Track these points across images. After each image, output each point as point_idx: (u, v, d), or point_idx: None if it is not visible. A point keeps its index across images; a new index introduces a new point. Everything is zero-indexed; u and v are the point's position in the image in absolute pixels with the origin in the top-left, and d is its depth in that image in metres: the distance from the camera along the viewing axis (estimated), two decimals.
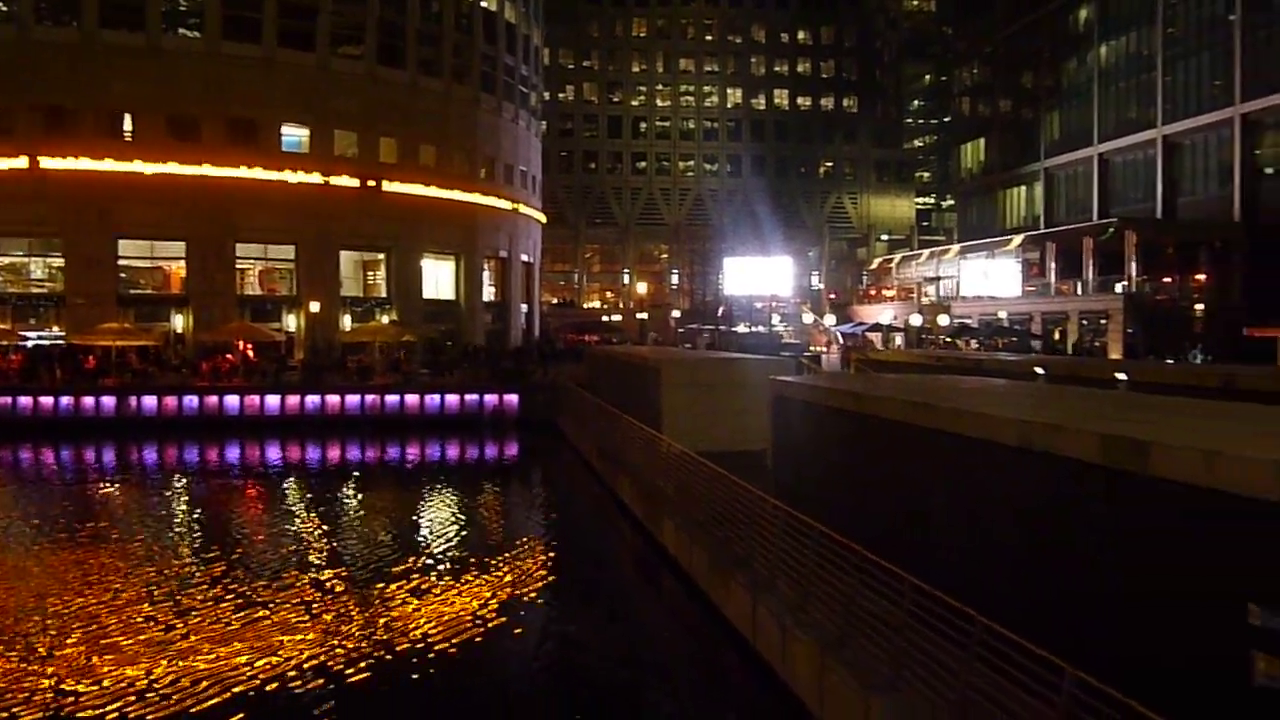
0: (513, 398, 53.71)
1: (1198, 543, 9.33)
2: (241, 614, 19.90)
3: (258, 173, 60.49)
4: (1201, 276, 64.15)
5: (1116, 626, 10.28)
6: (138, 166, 58.04)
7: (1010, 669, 9.85)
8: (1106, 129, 79.49)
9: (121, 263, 60.83)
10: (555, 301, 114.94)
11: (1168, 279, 65.76)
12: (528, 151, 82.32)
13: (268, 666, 16.75)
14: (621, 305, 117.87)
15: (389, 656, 17.41)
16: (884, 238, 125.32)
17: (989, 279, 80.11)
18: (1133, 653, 9.90)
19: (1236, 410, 14.19)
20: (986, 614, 10.59)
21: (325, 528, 29.70)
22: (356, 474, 41.50)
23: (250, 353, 58.04)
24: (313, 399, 52.24)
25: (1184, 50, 71.22)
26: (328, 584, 22.38)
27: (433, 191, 67.53)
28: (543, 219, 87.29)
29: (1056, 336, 67.82)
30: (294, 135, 63.59)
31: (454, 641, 18.34)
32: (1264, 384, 28.77)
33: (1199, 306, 61.92)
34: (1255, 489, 8.52)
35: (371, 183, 64.10)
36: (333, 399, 52.42)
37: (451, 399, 53.42)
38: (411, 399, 52.94)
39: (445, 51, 70.22)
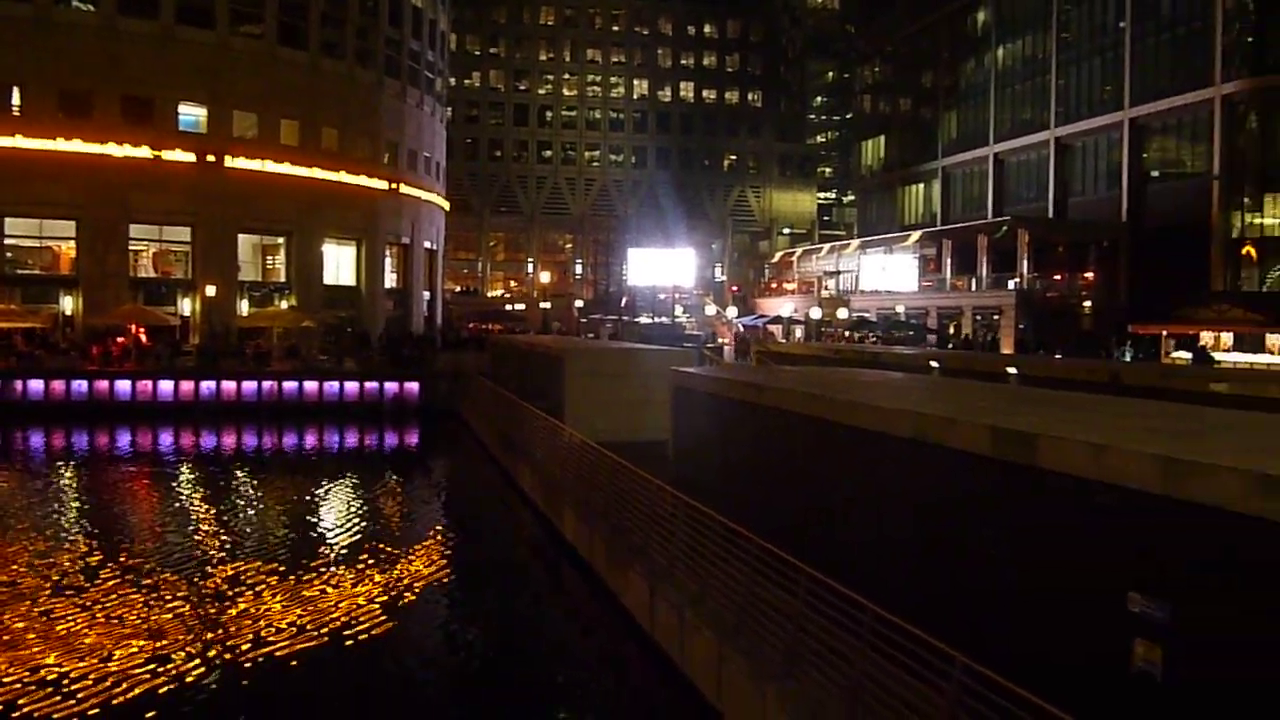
0: (414, 386, 53.23)
1: (1083, 534, 9.67)
2: (128, 608, 19.43)
3: (152, 152, 58.78)
4: (1090, 274, 66.23)
5: (1010, 616, 10.59)
6: (25, 142, 55.98)
7: (902, 657, 10.11)
8: (1002, 130, 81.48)
9: (8, 242, 58.50)
10: (458, 289, 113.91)
11: (1058, 276, 67.81)
12: (432, 137, 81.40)
13: (154, 661, 16.35)
14: (525, 294, 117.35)
15: (283, 648, 17.12)
16: (786, 231, 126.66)
17: (887, 274, 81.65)
18: (1025, 641, 10.23)
19: (1122, 405, 14.69)
20: (886, 605, 10.80)
21: (218, 517, 29.11)
22: (253, 462, 40.73)
23: (143, 337, 56.50)
24: (208, 385, 51.16)
25: (1077, 55, 73.30)
26: (218, 575, 21.92)
27: (334, 175, 66.40)
28: (446, 206, 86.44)
29: (951, 331, 69.44)
30: (191, 115, 61.85)
31: (349, 632, 18.14)
32: (1148, 379, 29.93)
33: (1087, 304, 63.93)
34: (1139, 481, 8.87)
35: (272, 165, 62.79)
36: (229, 385, 51.39)
37: (351, 386, 52.77)
38: (310, 386, 52.16)
39: (349, 34, 69.02)
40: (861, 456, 13.91)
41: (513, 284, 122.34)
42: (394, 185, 71.96)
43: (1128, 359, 50.86)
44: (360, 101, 69.76)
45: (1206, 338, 51.16)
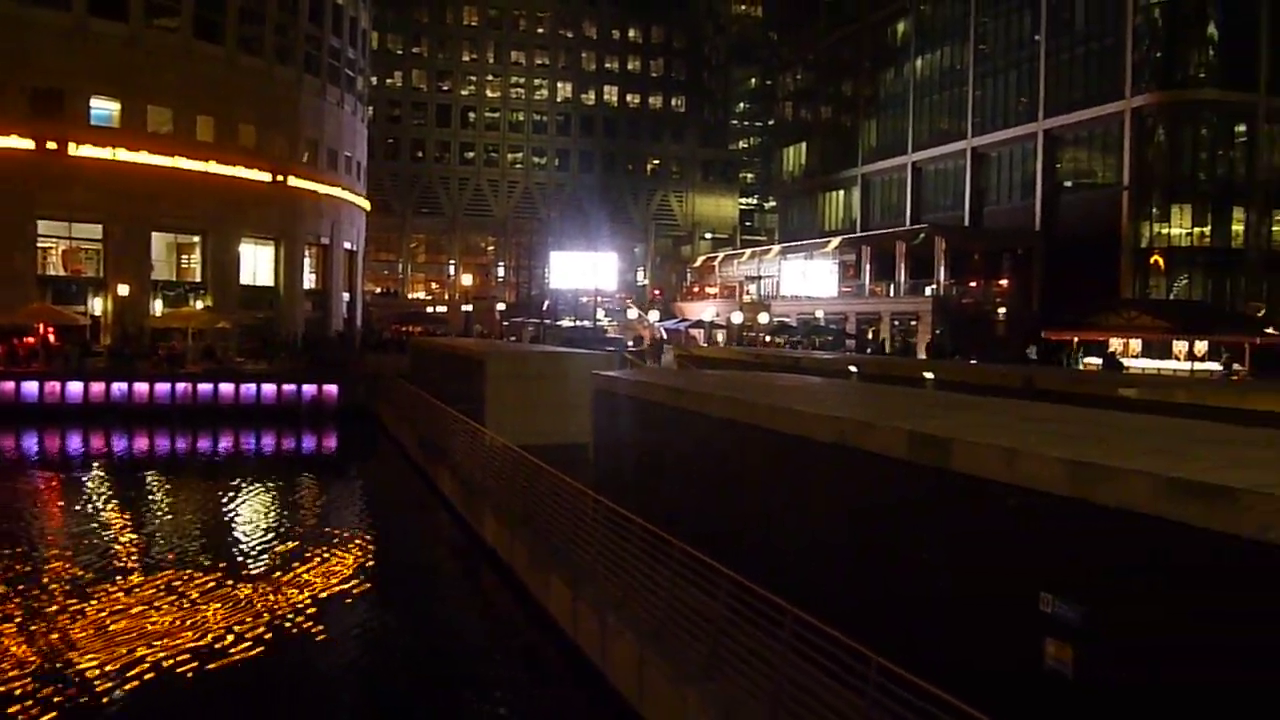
0: (332, 388, 52.54)
1: (997, 536, 9.84)
2: (31, 618, 18.87)
3: (63, 147, 57.25)
4: (1004, 282, 67.58)
5: (929, 618, 10.74)
6: None
7: (822, 659, 10.20)
8: (920, 139, 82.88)
9: None
10: (379, 291, 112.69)
11: (974, 283, 69.07)
12: (353, 136, 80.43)
13: (56, 673, 15.91)
14: (447, 296, 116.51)
15: (195, 656, 16.73)
16: (708, 236, 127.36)
17: (807, 279, 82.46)
18: (945, 642, 10.38)
19: (1035, 409, 14.98)
20: (809, 608, 10.90)
21: (129, 523, 28.44)
22: (166, 466, 39.90)
23: (52, 336, 54.94)
24: (119, 387, 49.90)
25: (993, 67, 74.83)
26: (127, 583, 21.40)
27: (252, 174, 65.25)
28: (367, 206, 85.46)
29: (870, 336, 70.38)
30: (104, 109, 60.30)
31: (263, 640, 17.79)
32: (1060, 384, 30.54)
33: (1001, 310, 65.22)
34: (1049, 484, 9.06)
35: (187, 162, 61.52)
36: (141, 387, 50.18)
37: (268, 389, 51.87)
38: (226, 388, 51.16)
39: (268, 29, 67.92)
40: (782, 460, 14.01)
41: (434, 286, 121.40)
42: (314, 184, 70.94)
43: (1033, 358, 52.12)
44: (279, 99, 68.68)
45: (1116, 344, 52.44)
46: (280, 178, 67.43)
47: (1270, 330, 52.07)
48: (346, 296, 79.73)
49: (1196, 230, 62.09)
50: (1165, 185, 61.98)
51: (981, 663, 9.74)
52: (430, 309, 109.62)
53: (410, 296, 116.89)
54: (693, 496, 17.01)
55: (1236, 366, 47.83)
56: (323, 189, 72.54)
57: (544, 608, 18.36)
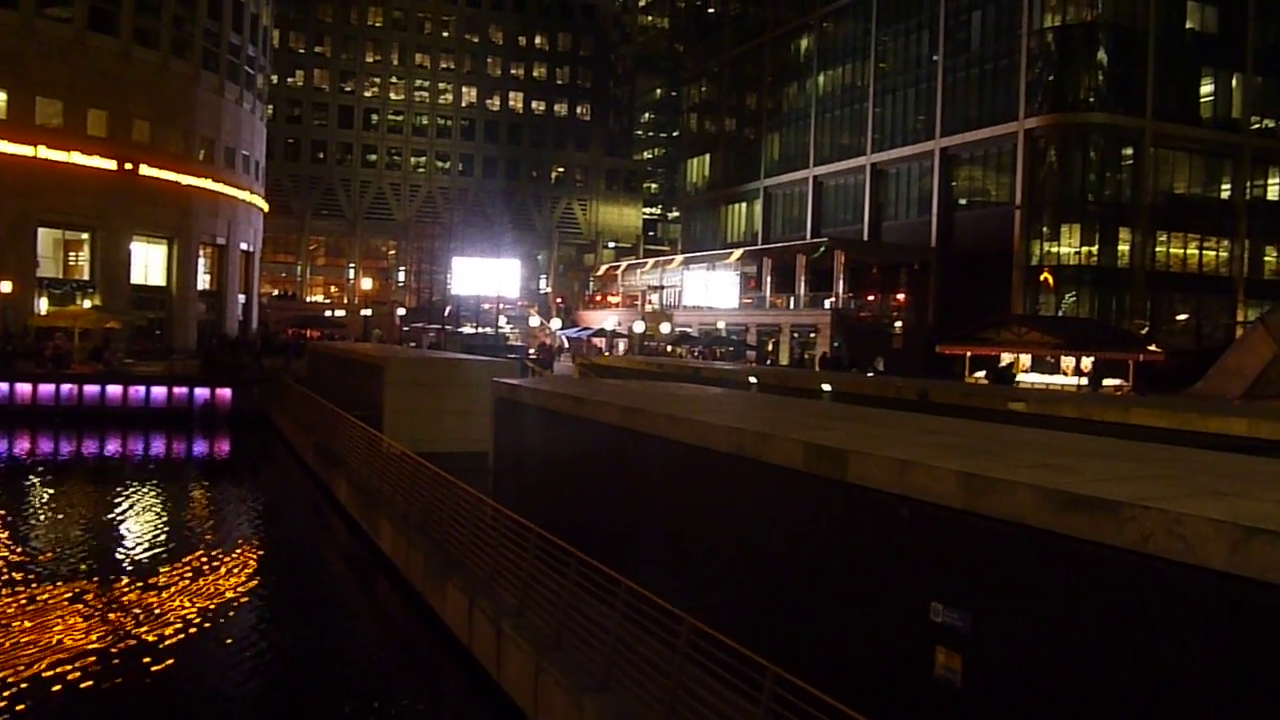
0: (226, 392, 51.36)
1: (891, 547, 10.01)
2: None
3: None
4: (901, 296, 68.87)
5: (827, 627, 10.88)
6: None
7: (718, 669, 10.25)
8: (822, 154, 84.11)
9: None
10: (276, 294, 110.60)
11: (871, 297, 70.26)
12: (251, 135, 78.86)
13: None
14: (346, 300, 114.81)
15: (72, 671, 16.17)
16: (611, 245, 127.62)
17: (709, 290, 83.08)
18: (841, 651, 10.52)
19: (929, 422, 15.26)
20: (709, 618, 10.94)
21: (7, 528, 27.44)
22: (48, 470, 38.55)
23: None
24: (0, 387, 48.20)
25: (893, 85, 76.33)
26: (4, 590, 20.69)
27: (145, 170, 63.56)
28: (265, 207, 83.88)
29: (769, 348, 71.15)
30: None
31: (147, 653, 17.28)
32: (953, 397, 31.27)
33: (898, 324, 66.44)
34: (940, 496, 9.25)
35: (77, 156, 59.69)
36: (23, 387, 48.52)
37: (159, 391, 50.51)
38: (114, 390, 49.70)
39: (164, 22, 66.30)
40: (682, 470, 14.06)
41: (333, 289, 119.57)
42: (210, 183, 69.35)
43: (881, 369, 53.85)
44: (175, 94, 67.10)
45: (1007, 359, 53.76)
46: (175, 175, 65.78)
47: (1153, 347, 53.91)
48: (242, 298, 78.15)
49: (1085, 249, 64.02)
50: (1055, 205, 63.81)
51: (876, 672, 9.89)
52: (329, 313, 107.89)
53: (308, 299, 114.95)
54: (593, 505, 16.99)
55: (1107, 382, 49.55)
56: (219, 188, 71.00)
57: (440, 617, 18.17)
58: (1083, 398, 34.47)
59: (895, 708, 9.41)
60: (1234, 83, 67.47)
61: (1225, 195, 67.75)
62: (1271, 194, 69.20)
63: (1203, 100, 67.00)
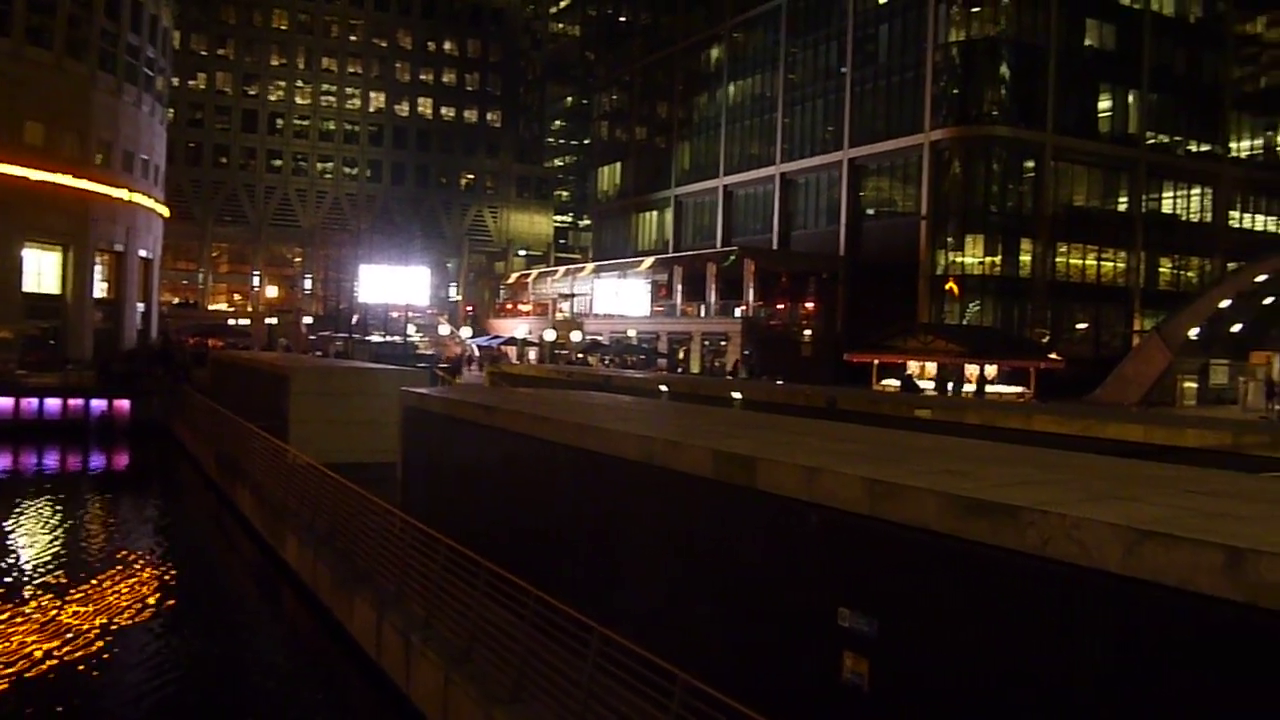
0: (124, 403, 50.07)
1: (799, 553, 10.07)
2: None
3: None
4: (811, 304, 69.67)
5: (737, 634, 10.90)
6: None
7: (628, 677, 10.22)
8: (732, 163, 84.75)
9: None
10: (177, 302, 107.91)
11: (781, 305, 70.95)
12: (150, 139, 76.85)
13: None
14: (250, 309, 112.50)
15: None
16: (522, 253, 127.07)
17: (620, 298, 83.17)
18: (752, 657, 10.55)
19: (836, 429, 15.42)
20: (620, 627, 10.91)
21: None
22: None
23: None
24: None
25: (802, 96, 77.25)
26: None
27: (38, 174, 61.57)
28: (165, 213, 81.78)
29: (680, 356, 71.44)
30: None
31: (43, 671, 16.74)
32: (860, 405, 31.73)
33: (807, 333, 67.19)
34: (847, 502, 9.32)
35: None
36: None
37: (53, 403, 49.04)
38: (5, 402, 48.08)
39: (59, 21, 64.25)
40: (592, 479, 14.03)
41: (237, 297, 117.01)
42: (106, 188, 67.48)
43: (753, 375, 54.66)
44: (69, 95, 65.06)
45: (913, 367, 54.70)
46: (69, 179, 63.86)
47: (1054, 355, 55.31)
48: (142, 307, 76.07)
49: (988, 259, 65.36)
50: (960, 216, 65.08)
51: (785, 677, 9.94)
52: (232, 321, 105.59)
53: (211, 308, 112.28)
54: (503, 515, 16.87)
55: (1007, 389, 50.98)
56: (116, 193, 69.00)
57: (347, 631, 17.86)
58: (986, 405, 35.21)
59: (804, 712, 9.47)
60: (1131, 99, 69.50)
61: (1122, 208, 69.71)
62: (1166, 207, 71.45)
63: (1101, 115, 68.89)
